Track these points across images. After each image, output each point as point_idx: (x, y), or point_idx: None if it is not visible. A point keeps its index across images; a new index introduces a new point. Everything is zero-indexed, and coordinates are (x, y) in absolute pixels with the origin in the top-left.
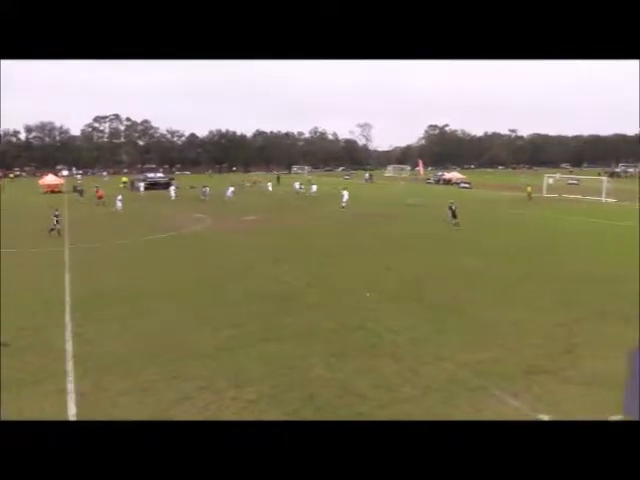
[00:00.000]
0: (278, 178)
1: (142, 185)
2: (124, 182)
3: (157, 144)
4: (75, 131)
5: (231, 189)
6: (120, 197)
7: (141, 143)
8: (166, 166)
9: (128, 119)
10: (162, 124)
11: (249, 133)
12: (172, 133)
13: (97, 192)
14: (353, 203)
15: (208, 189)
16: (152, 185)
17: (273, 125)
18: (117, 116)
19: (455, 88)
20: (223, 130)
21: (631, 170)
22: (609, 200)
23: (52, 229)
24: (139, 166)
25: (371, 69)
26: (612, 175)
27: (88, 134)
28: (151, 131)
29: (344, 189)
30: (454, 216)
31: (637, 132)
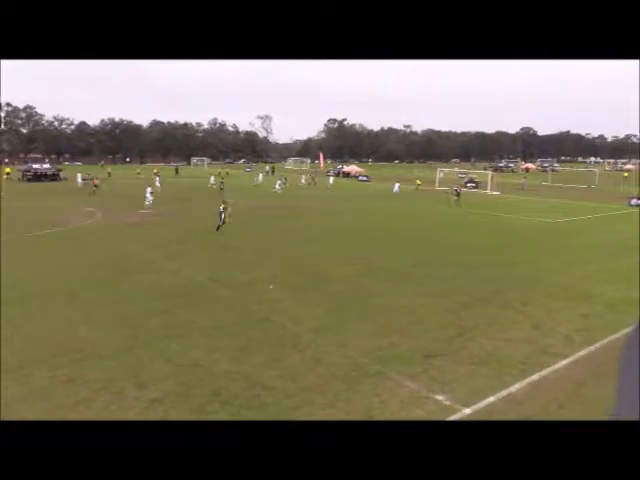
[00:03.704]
0: (176, 170)
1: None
2: (7, 173)
3: (43, 132)
4: None
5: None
6: (150, 190)
7: (24, 131)
8: (53, 156)
9: (8, 104)
10: (48, 111)
11: (145, 123)
12: (60, 121)
13: (93, 181)
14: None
15: None
16: (37, 176)
17: (170, 115)
18: None
19: (354, 84)
20: (117, 119)
21: (512, 165)
22: (493, 192)
23: (221, 224)
24: (22, 155)
25: (272, 63)
26: (496, 170)
27: None
28: (36, 118)
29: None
30: (457, 195)
31: (517, 130)
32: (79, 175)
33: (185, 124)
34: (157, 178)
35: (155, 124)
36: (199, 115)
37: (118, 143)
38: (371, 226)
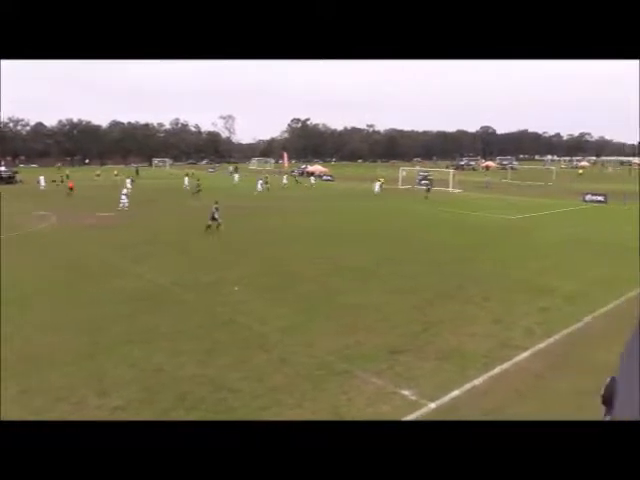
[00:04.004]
0: (137, 171)
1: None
2: None
3: None
4: None
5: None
6: (125, 192)
7: None
8: (8, 158)
9: None
10: (2, 112)
11: (104, 123)
12: (15, 122)
13: (69, 184)
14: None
15: None
16: None
17: (131, 116)
18: None
19: (319, 85)
20: (75, 120)
21: (472, 163)
22: (455, 190)
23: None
24: None
25: (234, 63)
26: (458, 168)
27: None
28: None
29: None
30: (428, 191)
31: (477, 129)
32: (42, 178)
33: (146, 124)
34: (128, 180)
35: (115, 124)
36: (160, 115)
37: (76, 144)
38: (340, 226)
